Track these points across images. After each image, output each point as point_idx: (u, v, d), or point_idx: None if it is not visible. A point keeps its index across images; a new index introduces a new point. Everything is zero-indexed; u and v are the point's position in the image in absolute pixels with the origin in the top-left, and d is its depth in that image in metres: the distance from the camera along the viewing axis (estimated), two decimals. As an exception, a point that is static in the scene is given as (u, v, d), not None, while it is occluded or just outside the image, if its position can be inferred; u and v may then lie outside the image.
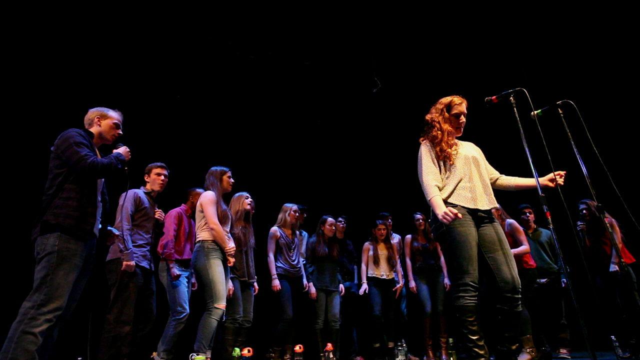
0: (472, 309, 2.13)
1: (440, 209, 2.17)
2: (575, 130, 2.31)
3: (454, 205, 2.25)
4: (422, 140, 2.50)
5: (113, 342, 2.78)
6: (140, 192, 3.26)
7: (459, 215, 2.13)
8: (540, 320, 4.25)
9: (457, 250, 2.19)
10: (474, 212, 2.27)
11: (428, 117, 2.53)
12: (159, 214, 3.36)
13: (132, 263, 2.96)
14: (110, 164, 2.26)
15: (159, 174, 3.37)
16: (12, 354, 1.85)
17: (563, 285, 4.29)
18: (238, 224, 3.67)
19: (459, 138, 2.54)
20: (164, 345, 3.28)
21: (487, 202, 2.33)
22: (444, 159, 2.36)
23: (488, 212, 2.33)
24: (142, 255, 3.11)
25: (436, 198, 2.25)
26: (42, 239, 2.08)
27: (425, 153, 2.41)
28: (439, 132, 2.41)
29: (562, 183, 2.28)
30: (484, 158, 2.54)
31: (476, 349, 2.09)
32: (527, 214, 4.45)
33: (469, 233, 2.20)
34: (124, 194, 3.07)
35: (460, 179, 2.31)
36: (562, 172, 2.32)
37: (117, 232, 2.63)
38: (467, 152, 2.43)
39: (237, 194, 3.83)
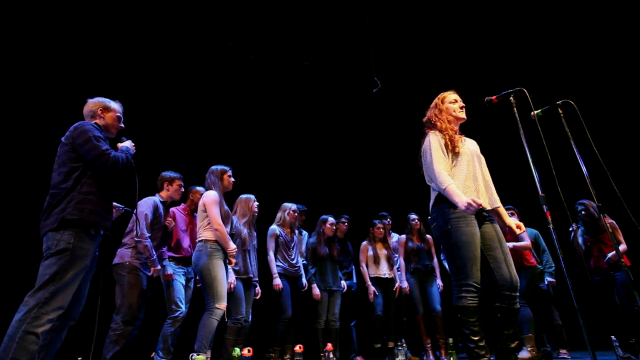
0: (474, 310, 2.12)
1: (461, 198, 2.11)
2: (575, 130, 2.32)
3: None
4: (429, 131, 2.44)
5: (118, 341, 2.89)
6: (158, 201, 3.35)
7: (483, 205, 2.09)
8: (538, 320, 4.25)
9: (461, 251, 2.15)
10: (478, 212, 2.23)
11: (427, 115, 2.52)
12: (168, 222, 3.45)
13: (159, 267, 3.19)
14: (127, 160, 2.23)
15: (180, 186, 3.52)
16: (13, 353, 1.80)
17: (546, 282, 4.28)
18: (245, 226, 3.70)
19: (462, 131, 2.54)
20: (162, 343, 3.28)
21: (489, 201, 2.33)
22: (452, 150, 2.31)
23: (489, 211, 2.34)
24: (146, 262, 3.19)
25: (452, 186, 2.17)
26: (55, 234, 1.98)
27: (435, 141, 2.33)
28: (440, 122, 2.40)
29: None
30: (483, 159, 2.54)
31: (477, 350, 2.08)
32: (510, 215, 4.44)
33: (474, 233, 2.16)
34: (142, 201, 3.25)
35: (465, 177, 2.28)
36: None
37: (120, 206, 2.69)
38: (471, 148, 2.42)
39: (244, 196, 3.82)
